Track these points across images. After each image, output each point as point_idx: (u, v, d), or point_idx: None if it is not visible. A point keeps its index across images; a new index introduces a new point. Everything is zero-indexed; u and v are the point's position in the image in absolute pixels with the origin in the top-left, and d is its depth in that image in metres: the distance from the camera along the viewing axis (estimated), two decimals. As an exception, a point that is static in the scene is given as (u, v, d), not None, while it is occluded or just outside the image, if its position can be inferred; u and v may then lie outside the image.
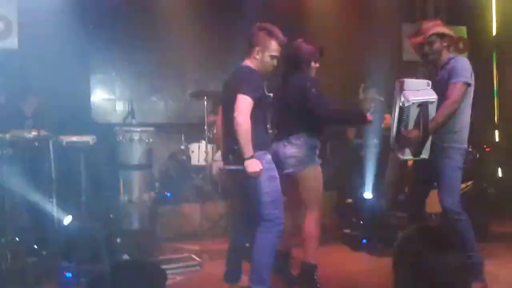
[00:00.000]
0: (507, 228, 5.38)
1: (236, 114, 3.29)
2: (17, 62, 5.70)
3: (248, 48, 3.56)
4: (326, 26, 6.66)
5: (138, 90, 6.77)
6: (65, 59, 5.79)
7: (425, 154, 3.57)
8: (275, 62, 3.56)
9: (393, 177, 5.43)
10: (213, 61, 6.39)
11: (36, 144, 4.45)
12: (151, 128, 5.22)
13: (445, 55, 3.69)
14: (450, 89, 3.54)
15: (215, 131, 5.60)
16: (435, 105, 3.50)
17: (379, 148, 5.18)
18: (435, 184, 3.77)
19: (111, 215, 4.95)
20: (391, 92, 3.73)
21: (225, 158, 3.61)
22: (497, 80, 7.74)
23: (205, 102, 6.04)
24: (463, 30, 7.71)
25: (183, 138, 6.29)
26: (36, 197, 4.35)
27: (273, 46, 3.50)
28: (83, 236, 4.06)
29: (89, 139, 4.71)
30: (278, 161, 3.63)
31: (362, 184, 5.21)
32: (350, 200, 5.45)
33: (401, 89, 3.53)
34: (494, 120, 7.63)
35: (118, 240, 4.50)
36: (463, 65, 3.62)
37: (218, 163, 5.37)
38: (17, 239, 4.16)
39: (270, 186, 3.40)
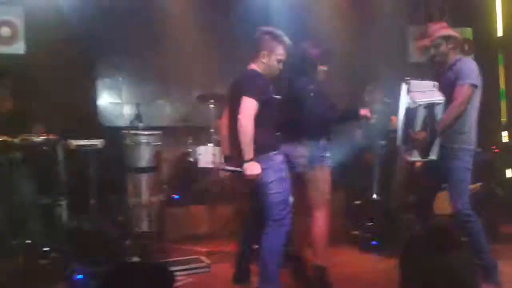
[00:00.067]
0: (516, 229, 5.37)
1: (240, 116, 3.33)
2: (23, 66, 5.76)
3: (253, 52, 3.59)
4: (331, 28, 6.66)
5: (144, 94, 6.80)
6: (72, 63, 5.86)
7: (433, 155, 3.58)
8: (280, 65, 3.59)
9: (401, 179, 5.43)
10: (219, 65, 6.41)
11: (45, 147, 4.49)
12: (158, 131, 5.27)
13: (452, 57, 3.71)
14: (457, 91, 3.55)
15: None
16: (442, 106, 3.52)
17: (386, 149, 5.19)
18: (444, 186, 3.78)
19: (120, 218, 4.99)
20: (397, 94, 3.75)
21: (227, 159, 3.67)
22: (504, 80, 7.72)
23: (212, 105, 6.08)
24: (468, 32, 7.71)
25: (190, 141, 6.33)
26: (46, 200, 4.40)
27: (279, 50, 3.55)
28: (93, 238, 4.10)
29: (97, 142, 4.76)
30: (287, 162, 3.65)
31: (370, 186, 5.22)
32: (358, 202, 5.46)
33: (408, 90, 3.55)
34: (501, 121, 7.61)
35: (127, 242, 4.54)
36: (470, 67, 3.64)
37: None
38: (28, 241, 4.20)
39: (279, 187, 3.43)
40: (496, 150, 6.26)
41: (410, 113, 3.51)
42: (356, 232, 5.17)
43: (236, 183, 3.80)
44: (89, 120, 6.22)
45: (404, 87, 3.58)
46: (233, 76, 3.80)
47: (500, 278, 3.65)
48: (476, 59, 5.70)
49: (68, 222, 4.43)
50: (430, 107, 3.49)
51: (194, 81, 6.81)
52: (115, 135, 5.30)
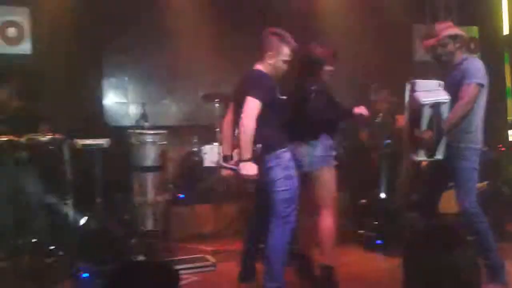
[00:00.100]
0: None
1: (242, 115, 3.35)
2: (30, 66, 5.78)
3: (259, 53, 3.60)
4: (336, 27, 6.66)
5: (150, 93, 6.81)
6: (78, 63, 5.88)
7: (439, 155, 3.57)
8: (286, 66, 3.60)
9: (407, 178, 5.42)
10: (225, 64, 6.41)
11: (51, 147, 4.51)
12: (164, 131, 5.28)
13: (458, 56, 3.70)
14: (464, 90, 3.54)
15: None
16: (447, 105, 3.50)
17: (392, 149, 5.18)
18: (450, 185, 3.77)
19: (126, 217, 5.01)
20: (403, 93, 3.75)
21: (226, 159, 3.69)
22: (510, 79, 7.68)
23: (217, 105, 6.10)
24: (474, 30, 7.69)
25: (195, 140, 6.34)
26: (52, 199, 4.42)
27: (285, 51, 3.56)
28: (99, 237, 4.12)
29: (103, 141, 4.77)
30: (293, 161, 3.65)
31: (376, 185, 5.21)
32: (364, 201, 5.45)
33: (413, 90, 3.55)
34: (508, 120, 7.57)
35: (133, 241, 4.56)
36: (476, 66, 3.62)
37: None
38: (34, 240, 4.22)
39: (286, 184, 3.44)
40: (503, 149, 6.24)
41: (416, 112, 3.51)
42: (361, 231, 5.17)
43: (241, 182, 3.80)
44: (95, 119, 6.24)
45: (409, 86, 3.58)
46: (238, 76, 3.80)
47: (507, 278, 3.64)
48: (482, 57, 5.69)
49: (74, 220, 4.44)
50: (436, 106, 3.48)
51: (199, 80, 6.82)
52: (121, 135, 5.33)
